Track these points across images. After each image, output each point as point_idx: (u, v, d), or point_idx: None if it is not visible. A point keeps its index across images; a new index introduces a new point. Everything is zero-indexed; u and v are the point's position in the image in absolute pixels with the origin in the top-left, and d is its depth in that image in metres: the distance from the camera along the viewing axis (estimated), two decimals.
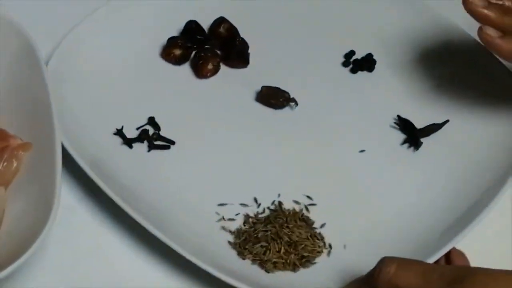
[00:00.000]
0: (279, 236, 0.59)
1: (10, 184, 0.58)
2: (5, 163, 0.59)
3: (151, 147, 0.66)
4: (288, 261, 0.58)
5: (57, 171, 0.56)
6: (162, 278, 0.59)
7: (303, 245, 0.59)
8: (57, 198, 0.54)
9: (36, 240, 0.52)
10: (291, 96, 0.70)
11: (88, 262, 0.60)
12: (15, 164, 0.59)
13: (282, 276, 0.58)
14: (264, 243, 0.59)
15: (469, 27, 0.70)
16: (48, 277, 0.58)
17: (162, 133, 0.67)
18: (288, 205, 0.63)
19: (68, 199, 0.63)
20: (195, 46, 0.73)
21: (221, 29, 0.74)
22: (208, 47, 0.73)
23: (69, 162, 0.61)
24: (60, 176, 0.55)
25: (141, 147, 0.66)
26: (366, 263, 0.58)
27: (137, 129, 0.67)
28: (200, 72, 0.72)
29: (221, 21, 0.74)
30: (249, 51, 0.74)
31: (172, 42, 0.73)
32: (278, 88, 0.71)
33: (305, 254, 0.59)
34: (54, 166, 0.56)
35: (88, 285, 0.59)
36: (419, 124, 0.69)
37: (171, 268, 0.59)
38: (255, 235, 0.60)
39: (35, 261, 0.58)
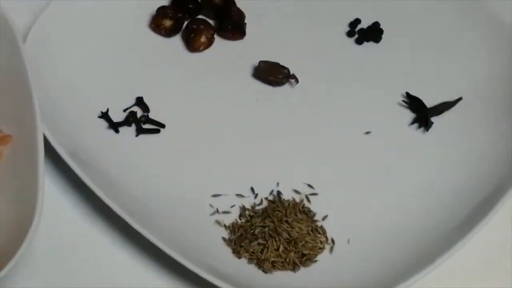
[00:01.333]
0: (277, 232, 0.55)
1: None
2: None
3: (140, 131, 0.61)
4: (287, 260, 0.54)
5: (39, 167, 0.51)
6: (150, 275, 0.55)
7: (303, 242, 0.55)
8: (40, 198, 0.50)
9: (22, 245, 0.48)
10: (291, 72, 0.65)
11: (74, 258, 0.56)
12: None
13: (282, 276, 0.54)
14: (261, 241, 0.54)
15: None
16: (33, 274, 0.54)
17: (151, 115, 0.62)
18: (287, 195, 0.58)
19: (52, 191, 0.58)
20: (186, 16, 0.68)
21: None
22: (201, 18, 0.68)
23: (52, 152, 0.56)
24: (43, 173, 0.50)
25: (129, 131, 0.61)
26: (372, 260, 0.54)
27: (124, 111, 0.62)
28: (192, 45, 0.66)
29: None
30: (246, 21, 0.68)
31: (161, 12, 0.67)
32: (277, 64, 0.65)
33: (306, 251, 0.54)
34: (36, 162, 0.51)
35: (73, 281, 0.55)
36: (430, 102, 0.64)
37: (160, 266, 0.55)
38: (252, 231, 0.55)
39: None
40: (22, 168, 0.52)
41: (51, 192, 0.57)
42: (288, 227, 0.55)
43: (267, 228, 0.55)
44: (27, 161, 0.52)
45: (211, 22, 0.68)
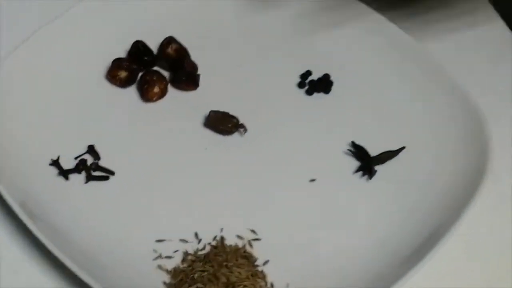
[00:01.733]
0: (216, 276, 0.56)
1: None
2: None
3: (89, 178, 0.63)
4: None
5: None
6: None
7: (241, 286, 0.56)
8: None
9: None
10: (240, 122, 0.67)
11: None
12: None
13: None
14: (200, 285, 0.56)
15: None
16: None
17: (102, 162, 0.64)
18: (231, 240, 0.60)
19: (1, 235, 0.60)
20: (141, 67, 0.70)
21: (169, 50, 0.71)
22: (155, 69, 0.70)
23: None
24: None
25: (78, 178, 0.63)
26: None
27: (76, 158, 0.64)
28: (145, 95, 0.69)
29: (169, 40, 0.71)
30: (200, 73, 0.71)
31: (117, 63, 0.69)
32: (227, 113, 0.67)
33: None
34: None
35: None
36: (375, 151, 0.66)
37: None
38: (192, 276, 0.56)
39: None
40: None
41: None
42: (227, 272, 0.56)
43: (206, 273, 0.56)
44: None
45: (166, 73, 0.71)
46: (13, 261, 0.58)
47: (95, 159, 0.64)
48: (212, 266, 0.57)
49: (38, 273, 0.58)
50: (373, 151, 0.66)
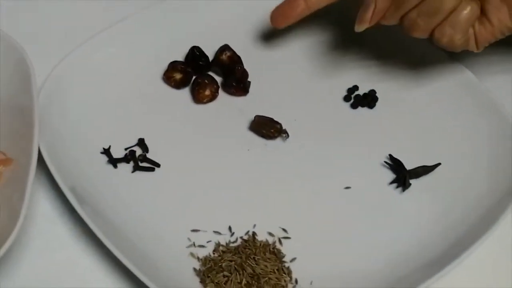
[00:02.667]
0: (242, 267, 0.59)
1: None
2: None
3: (136, 168, 0.67)
4: None
5: (28, 184, 0.57)
6: None
7: (266, 278, 0.59)
8: (24, 208, 0.56)
9: (3, 245, 0.54)
10: (283, 128, 0.70)
11: (62, 277, 0.61)
12: None
13: None
14: (226, 273, 0.59)
15: (477, 72, 0.71)
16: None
17: (150, 155, 0.68)
18: (262, 236, 0.63)
19: (50, 212, 0.64)
20: (196, 71, 0.74)
21: (223, 56, 0.74)
22: (208, 74, 0.74)
23: (52, 179, 0.62)
24: (30, 188, 0.57)
25: (126, 168, 0.67)
26: None
27: (126, 149, 0.68)
28: (197, 97, 0.73)
29: (224, 48, 0.75)
30: (252, 80, 0.74)
31: (173, 66, 0.74)
32: (271, 119, 0.71)
33: (267, 287, 0.58)
34: (27, 181, 0.58)
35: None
36: (411, 166, 0.68)
37: None
38: (220, 264, 0.59)
39: (10, 270, 0.60)
40: (17, 186, 0.59)
41: (48, 214, 0.64)
42: (253, 263, 0.59)
43: (233, 263, 0.59)
44: (21, 183, 0.58)
45: (219, 78, 0.75)
46: (57, 238, 0.63)
47: (143, 151, 0.68)
48: (240, 257, 0.60)
49: (80, 251, 0.62)
50: (409, 166, 0.68)
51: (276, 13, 0.70)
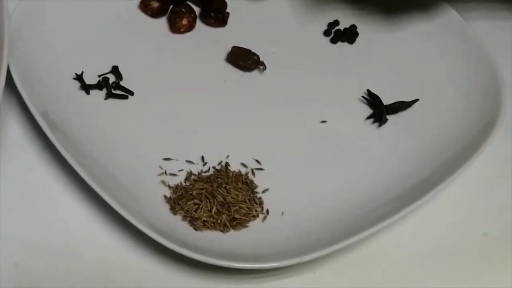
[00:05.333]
0: (213, 195, 0.58)
1: None
2: None
3: (109, 95, 0.66)
4: (219, 221, 0.57)
5: None
6: (96, 223, 0.59)
7: (237, 207, 0.58)
8: None
9: None
10: (261, 60, 0.69)
11: (31, 201, 0.60)
12: None
13: (211, 236, 0.57)
14: (197, 201, 0.58)
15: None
16: None
17: (123, 83, 0.67)
18: (235, 167, 0.62)
19: (20, 137, 0.63)
20: (173, 0, 0.72)
21: None
22: (186, 3, 0.72)
23: (23, 103, 0.61)
24: None
25: (99, 95, 0.66)
26: (299, 232, 0.57)
27: (99, 76, 0.67)
28: (173, 26, 0.71)
29: None
30: (231, 11, 0.73)
31: None
32: (249, 50, 0.69)
33: (238, 216, 0.58)
34: None
35: (31, 224, 0.59)
36: (390, 102, 0.67)
37: (108, 217, 0.59)
38: (191, 192, 0.59)
39: None
40: None
41: (19, 136, 0.63)
42: (224, 192, 0.59)
43: (204, 191, 0.59)
44: None
45: (197, 9, 0.73)
46: (27, 162, 0.62)
47: (117, 79, 0.67)
48: (212, 186, 0.59)
49: (48, 175, 0.61)
50: (387, 102, 0.67)
51: None
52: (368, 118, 0.67)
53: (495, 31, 0.74)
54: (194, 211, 0.58)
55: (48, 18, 0.68)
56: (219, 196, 0.58)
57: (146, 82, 0.67)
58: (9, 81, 0.59)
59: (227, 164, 0.62)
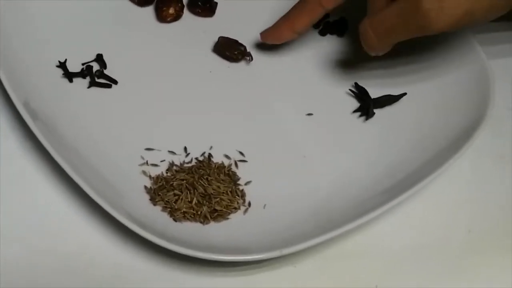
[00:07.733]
0: (194, 186, 0.57)
1: None
2: None
3: (92, 83, 0.65)
4: (199, 212, 0.57)
5: None
6: (77, 212, 0.58)
7: (217, 199, 0.57)
8: None
9: None
10: (248, 51, 0.68)
11: (11, 190, 0.59)
12: None
13: (191, 227, 0.57)
14: (177, 192, 0.57)
15: None
16: None
17: (108, 72, 0.66)
18: (218, 159, 0.61)
19: (2, 125, 0.62)
20: None
21: None
22: None
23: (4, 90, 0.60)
24: None
25: (82, 83, 0.65)
26: (280, 225, 0.57)
27: (83, 64, 0.66)
28: (160, 15, 0.70)
29: None
30: (219, 1, 0.72)
31: None
32: (236, 41, 0.68)
33: (218, 208, 0.57)
34: None
35: (9, 212, 0.58)
36: (377, 95, 0.66)
37: (88, 206, 0.58)
38: (171, 183, 0.58)
39: None
40: None
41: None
42: (205, 183, 0.58)
43: (185, 182, 0.58)
44: None
45: None
46: (9, 151, 0.61)
47: (101, 67, 0.66)
48: (193, 177, 0.58)
49: (29, 165, 0.60)
50: (375, 96, 0.66)
51: (265, 35, 0.68)
52: (355, 111, 0.66)
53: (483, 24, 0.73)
54: (174, 202, 0.57)
55: (32, 4, 0.67)
56: (200, 188, 0.57)
57: (131, 71, 0.66)
58: None
59: (210, 155, 0.61)
